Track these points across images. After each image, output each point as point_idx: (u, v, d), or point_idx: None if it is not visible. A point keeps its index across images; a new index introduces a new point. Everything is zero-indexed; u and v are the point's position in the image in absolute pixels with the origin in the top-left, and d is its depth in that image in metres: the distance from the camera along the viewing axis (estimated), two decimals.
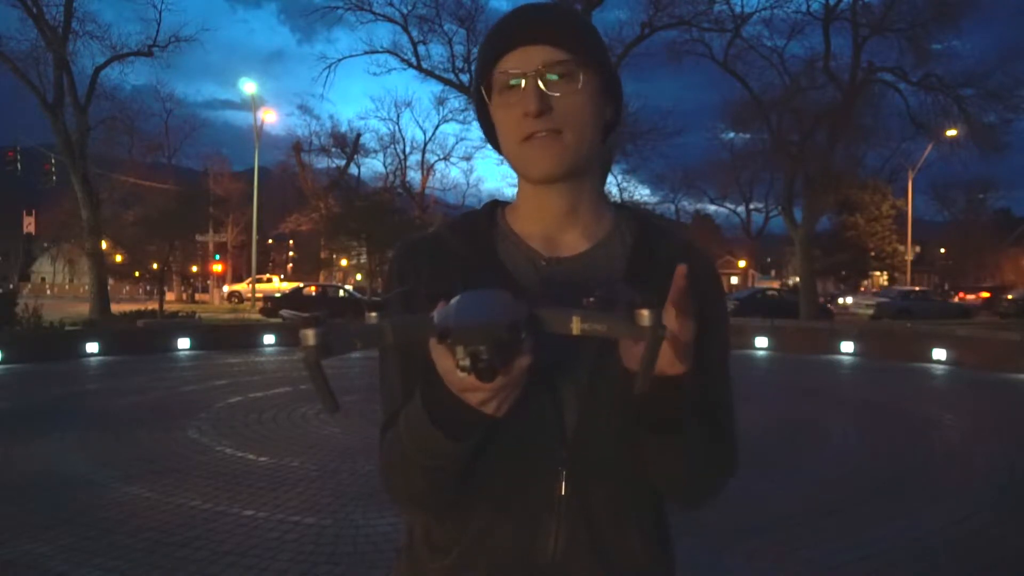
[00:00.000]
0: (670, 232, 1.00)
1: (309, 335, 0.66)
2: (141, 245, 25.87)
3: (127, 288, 41.43)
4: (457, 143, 59.89)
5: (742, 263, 58.11)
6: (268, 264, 56.54)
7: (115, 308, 21.39)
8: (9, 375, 10.52)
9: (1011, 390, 10.18)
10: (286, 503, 4.54)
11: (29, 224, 44.90)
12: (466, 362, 0.67)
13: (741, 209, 46.46)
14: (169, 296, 33.08)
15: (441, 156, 42.19)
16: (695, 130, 49.90)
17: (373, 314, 0.73)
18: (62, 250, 53.76)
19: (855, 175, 28.38)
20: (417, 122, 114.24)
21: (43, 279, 61.51)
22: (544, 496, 0.89)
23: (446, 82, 26.65)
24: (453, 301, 0.69)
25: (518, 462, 0.88)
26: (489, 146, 1.00)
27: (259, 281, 36.09)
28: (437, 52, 47.89)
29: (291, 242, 55.43)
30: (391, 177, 40.20)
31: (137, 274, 31.03)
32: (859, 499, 4.77)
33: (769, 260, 70.72)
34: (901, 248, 40.09)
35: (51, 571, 3.49)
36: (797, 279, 32.88)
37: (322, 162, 39.93)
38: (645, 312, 0.68)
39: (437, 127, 61.38)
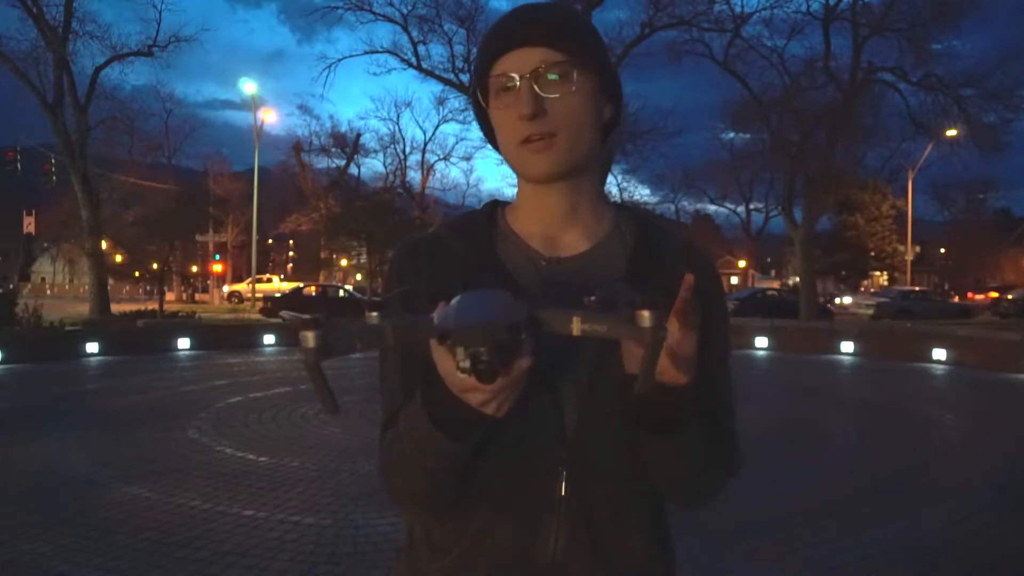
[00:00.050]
0: (670, 232, 1.00)
1: (309, 337, 0.66)
2: (141, 245, 25.88)
3: (127, 288, 41.43)
4: (457, 143, 59.98)
5: (742, 263, 58.13)
6: (268, 264, 56.54)
7: (115, 308, 21.39)
8: (9, 375, 10.52)
9: (1011, 390, 10.18)
10: (286, 503, 4.54)
11: (29, 224, 44.91)
12: (466, 363, 0.67)
13: (741, 209, 46.50)
14: (169, 296, 33.09)
15: (441, 156, 42.23)
16: (695, 130, 49.89)
17: (373, 314, 0.73)
18: (62, 250, 53.76)
19: (855, 175, 28.37)
20: (417, 122, 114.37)
21: (43, 279, 61.51)
22: (544, 496, 0.89)
23: (446, 82, 26.67)
24: (453, 302, 0.69)
25: (518, 462, 0.88)
26: (489, 146, 1.00)
27: (259, 281, 36.09)
28: (437, 52, 47.93)
29: (291, 242, 55.43)
30: (391, 177, 40.23)
31: (137, 274, 31.04)
32: (859, 499, 4.77)
33: (769, 260, 70.72)
34: (901, 248, 40.10)
35: (51, 571, 3.49)
36: (797, 279, 32.89)
37: (322, 162, 39.98)
38: (646, 313, 0.68)
39: (437, 127, 61.43)
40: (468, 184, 54.52)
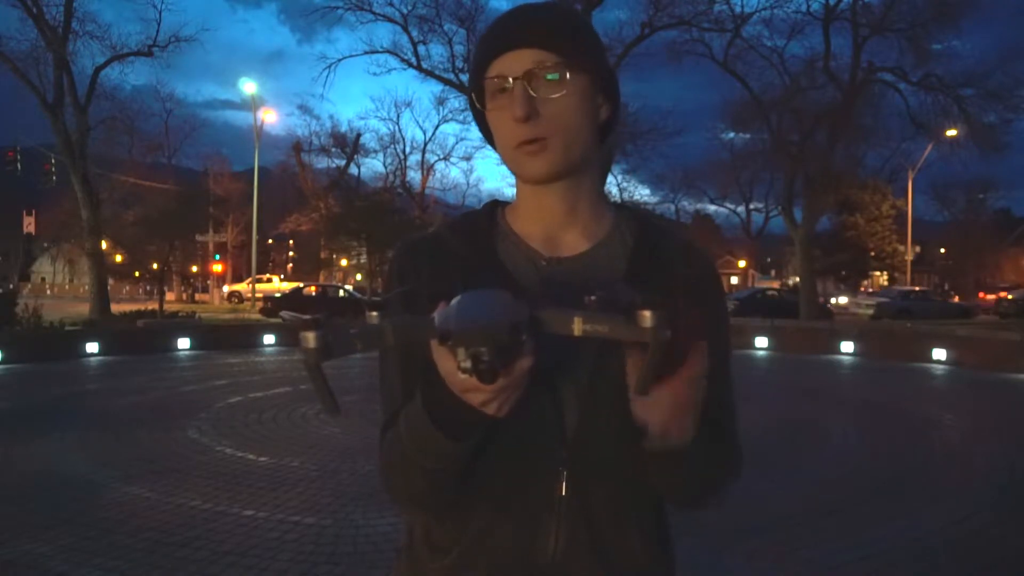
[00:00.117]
0: (670, 232, 1.00)
1: (309, 337, 0.66)
2: (141, 245, 25.88)
3: (127, 288, 41.41)
4: (457, 143, 59.85)
5: (742, 263, 58.11)
6: (268, 264, 56.53)
7: (115, 308, 21.39)
8: (9, 375, 10.52)
9: (1011, 390, 10.18)
10: (286, 503, 4.54)
11: (29, 224, 44.91)
12: (467, 364, 0.67)
13: (741, 209, 46.51)
14: (169, 296, 33.08)
15: (441, 156, 42.19)
16: (695, 130, 49.92)
17: (373, 314, 0.73)
18: (62, 250, 53.74)
19: (855, 175, 28.39)
20: (417, 122, 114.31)
21: (43, 279, 61.50)
22: (544, 496, 0.89)
23: (446, 82, 26.68)
24: (454, 302, 0.69)
25: (518, 462, 0.88)
26: (489, 146, 1.00)
27: (259, 281, 36.08)
28: (437, 52, 47.83)
29: (291, 242, 55.43)
30: (391, 177, 40.22)
31: (137, 274, 31.03)
32: (859, 499, 4.77)
33: (769, 260, 70.68)
34: (901, 248, 40.07)
35: (51, 571, 3.49)
36: (797, 279, 32.90)
37: (322, 162, 39.97)
38: (647, 313, 0.68)
39: (437, 127, 61.43)
40: (468, 184, 54.52)
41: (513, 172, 0.95)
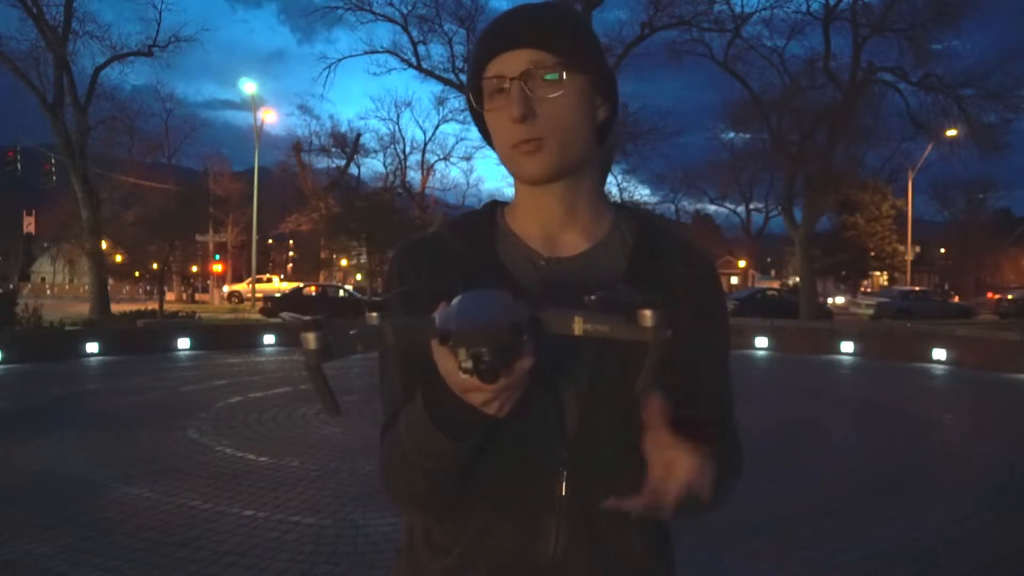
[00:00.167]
0: (670, 232, 1.00)
1: (310, 339, 0.66)
2: (141, 245, 25.88)
3: (127, 288, 41.41)
4: (457, 143, 59.75)
5: (742, 263, 58.10)
6: (268, 264, 56.52)
7: (115, 308, 21.39)
8: (9, 375, 10.52)
9: (1011, 390, 10.18)
10: (286, 503, 4.54)
11: (29, 224, 44.90)
12: (468, 364, 0.67)
13: (741, 209, 46.52)
14: (169, 296, 33.08)
15: (441, 156, 42.18)
16: (695, 130, 49.97)
17: (374, 314, 0.73)
18: (62, 250, 53.73)
19: (855, 175, 28.39)
20: (417, 122, 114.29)
21: (43, 279, 61.49)
22: (544, 496, 0.89)
23: (446, 82, 26.70)
24: (454, 302, 0.69)
25: (518, 462, 0.88)
26: (488, 146, 1.00)
27: (259, 281, 36.08)
28: (437, 52, 47.87)
29: (291, 242, 55.41)
30: (391, 177, 40.21)
31: (137, 274, 31.03)
32: (859, 499, 4.77)
33: (769, 260, 70.67)
34: (901, 248, 40.06)
35: (51, 571, 3.49)
36: (797, 279, 32.90)
37: (322, 162, 39.95)
38: (648, 313, 0.68)
39: (437, 127, 61.31)
40: (468, 184, 54.49)
41: (511, 172, 0.95)
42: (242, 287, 39.28)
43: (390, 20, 25.18)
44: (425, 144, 42.51)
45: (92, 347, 12.77)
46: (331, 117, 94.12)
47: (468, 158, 42.12)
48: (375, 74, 62.63)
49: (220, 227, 40.26)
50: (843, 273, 41.91)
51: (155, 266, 26.14)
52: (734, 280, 58.98)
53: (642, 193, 50.24)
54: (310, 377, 0.68)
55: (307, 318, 0.67)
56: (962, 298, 40.43)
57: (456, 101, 32.22)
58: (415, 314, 0.76)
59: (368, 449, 5.67)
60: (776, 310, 23.13)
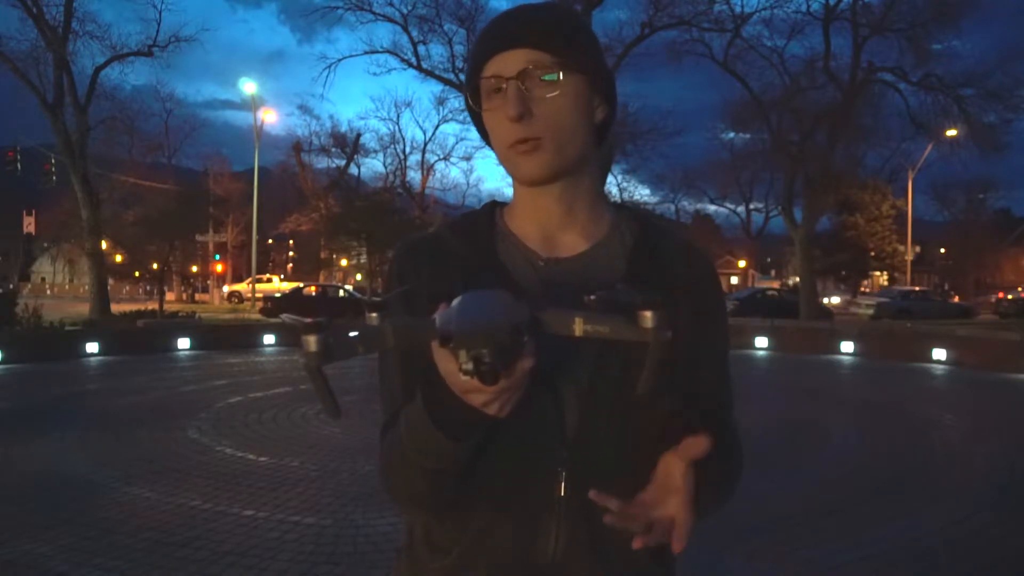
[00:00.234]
0: (670, 232, 1.00)
1: (310, 341, 0.66)
2: (141, 245, 25.88)
3: (127, 288, 41.41)
4: (457, 143, 59.70)
5: (742, 263, 58.09)
6: (268, 264, 56.50)
7: (115, 308, 21.39)
8: (9, 375, 10.52)
9: (1011, 390, 10.19)
10: (286, 503, 4.54)
11: (29, 224, 44.89)
12: (468, 365, 0.67)
13: (741, 209, 46.51)
14: (169, 296, 33.07)
15: (441, 156, 42.22)
16: (695, 130, 49.97)
17: (373, 315, 0.73)
18: (62, 250, 53.71)
19: (855, 175, 28.41)
20: (417, 122, 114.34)
21: (43, 279, 61.48)
22: (544, 496, 0.89)
23: (446, 82, 26.69)
24: (454, 303, 0.69)
25: (518, 462, 0.88)
26: (488, 146, 1.00)
27: (259, 281, 36.06)
28: (437, 52, 47.90)
29: (291, 242, 55.40)
30: (391, 177, 40.21)
31: (137, 274, 31.02)
32: (859, 499, 4.77)
33: (769, 260, 70.67)
34: (901, 248, 40.06)
35: (51, 571, 3.49)
36: (797, 279, 32.90)
37: (322, 162, 39.95)
38: (648, 313, 0.68)
39: (437, 127, 61.38)
40: (468, 184, 54.51)
41: (509, 172, 0.95)
42: (242, 287, 39.27)
43: (390, 20, 25.18)
44: (425, 144, 42.61)
45: (92, 347, 12.77)
46: (331, 117, 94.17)
47: (468, 158, 42.18)
48: (375, 74, 62.67)
49: (220, 227, 40.27)
50: (843, 273, 41.91)
51: (155, 266, 26.14)
52: (734, 280, 58.96)
53: (642, 193, 50.28)
54: (310, 379, 0.68)
55: (308, 320, 0.66)
56: (962, 298, 40.42)
57: (456, 101, 32.24)
58: (415, 314, 0.76)
59: (368, 449, 5.67)
60: (776, 310, 23.12)
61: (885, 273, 47.24)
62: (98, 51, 27.17)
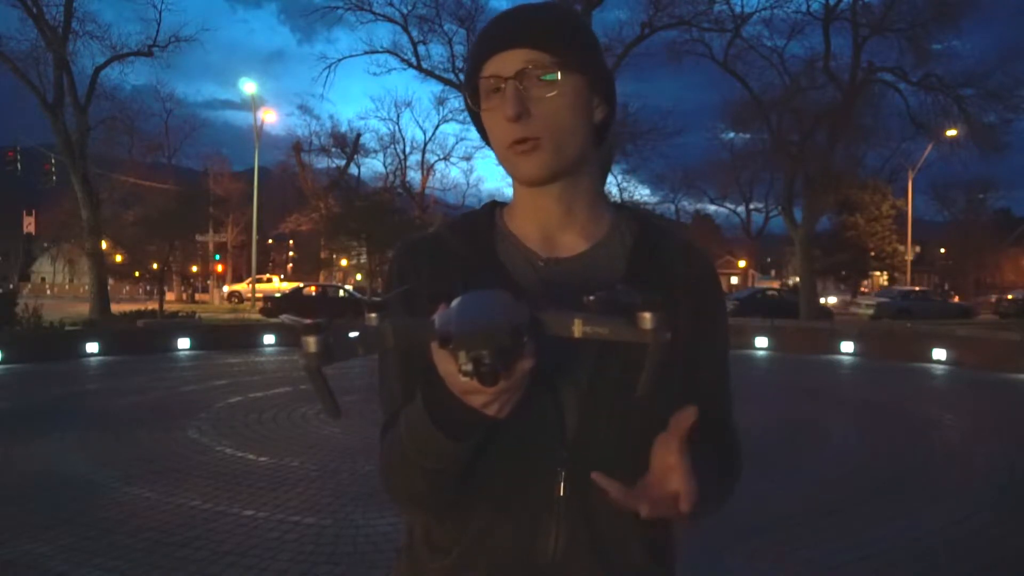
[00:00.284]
0: (670, 232, 1.00)
1: (310, 342, 0.66)
2: (141, 245, 25.89)
3: (127, 288, 41.42)
4: (457, 143, 59.69)
5: (742, 263, 58.10)
6: (268, 264, 56.52)
7: (115, 308, 21.39)
8: (9, 375, 10.52)
9: (1011, 390, 10.19)
10: (286, 503, 4.54)
11: (29, 224, 44.90)
12: (468, 366, 0.67)
13: (741, 209, 46.53)
14: (169, 296, 33.07)
15: (441, 156, 42.22)
16: (695, 130, 49.99)
17: (373, 315, 0.73)
18: (62, 250, 53.73)
19: (855, 175, 28.41)
20: (417, 122, 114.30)
21: (43, 279, 61.49)
22: (544, 496, 0.89)
23: (446, 82, 26.70)
24: (454, 304, 0.69)
25: (518, 462, 0.88)
26: (488, 146, 1.00)
27: (259, 281, 36.07)
28: (437, 52, 47.90)
29: (291, 242, 55.41)
30: (391, 177, 40.21)
31: (137, 274, 31.04)
32: (859, 499, 4.77)
33: (769, 260, 70.67)
34: (901, 248, 40.06)
35: (51, 571, 3.49)
36: (797, 279, 32.90)
37: (322, 162, 39.95)
38: (647, 315, 0.68)
39: (437, 127, 61.36)
40: (468, 184, 54.54)
41: (508, 173, 0.95)
42: (242, 287, 39.27)
43: (390, 20, 25.18)
44: (425, 144, 42.61)
45: (92, 347, 12.77)
46: (331, 117, 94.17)
47: (468, 158, 42.18)
48: (375, 74, 62.65)
49: (220, 227, 40.27)
50: (843, 273, 41.90)
51: (155, 266, 26.14)
52: (734, 280, 58.97)
53: (642, 193, 50.26)
54: (310, 380, 0.68)
55: (307, 321, 0.66)
56: (962, 298, 40.43)
57: (456, 101, 32.26)
58: (415, 315, 0.75)
59: (368, 449, 5.67)
60: (776, 310, 23.13)
61: (885, 273, 47.24)
62: (98, 51, 27.19)
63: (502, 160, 0.93)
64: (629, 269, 0.94)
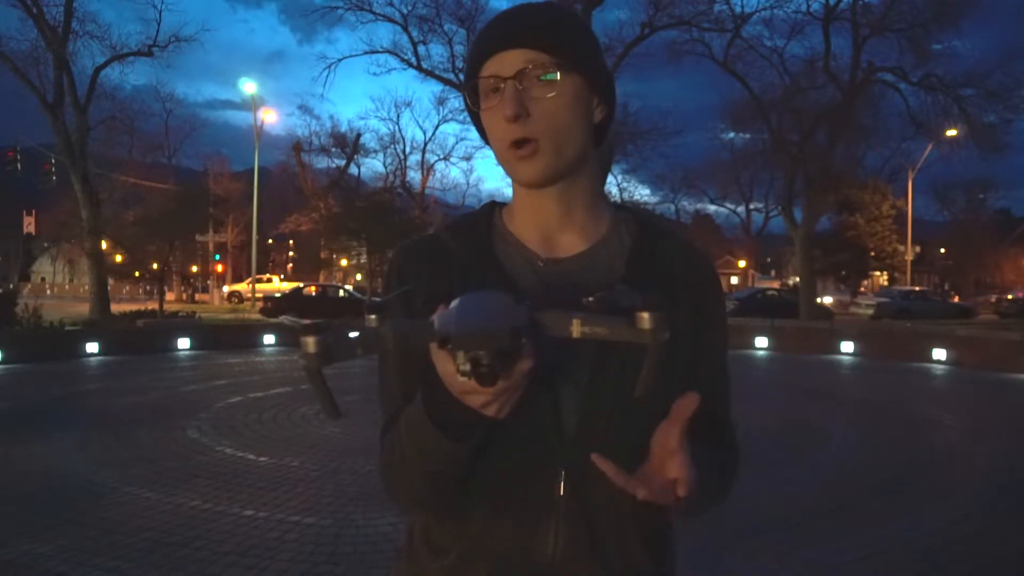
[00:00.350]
0: (669, 232, 1.00)
1: (310, 343, 0.66)
2: (141, 245, 25.84)
3: (127, 288, 41.40)
4: (457, 143, 59.69)
5: (742, 263, 58.10)
6: (268, 264, 56.51)
7: (115, 308, 21.37)
8: (9, 375, 10.52)
9: (1011, 390, 10.19)
10: (286, 503, 4.54)
11: (29, 224, 44.89)
12: (467, 367, 0.67)
13: (741, 209, 46.61)
14: (169, 296, 33.08)
15: (441, 156, 42.19)
16: (695, 130, 50.06)
17: (372, 316, 0.73)
18: (62, 250, 53.75)
19: (855, 175, 28.42)
20: (417, 122, 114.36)
21: (43, 279, 61.49)
22: (544, 496, 0.89)
23: (446, 82, 26.72)
24: (453, 305, 0.69)
25: (518, 462, 0.88)
26: (488, 146, 1.00)
27: (259, 281, 36.07)
28: (437, 52, 47.96)
29: (291, 242, 55.40)
30: (391, 177, 40.18)
31: (137, 274, 31.00)
32: (859, 499, 4.77)
33: (769, 260, 70.65)
34: (901, 248, 40.05)
35: (51, 571, 3.49)
36: (797, 279, 32.90)
37: (322, 162, 39.93)
38: (646, 315, 0.68)
39: (437, 127, 61.55)
40: (468, 184, 54.70)
41: (507, 173, 0.95)
42: (242, 287, 39.26)
43: (390, 20, 25.19)
44: (425, 144, 42.55)
45: (92, 347, 12.77)
46: (331, 117, 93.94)
47: (468, 158, 42.19)
48: (375, 74, 62.88)
49: (220, 227, 40.27)
50: (843, 273, 41.90)
51: (155, 266, 26.13)
52: (734, 280, 58.96)
53: (642, 193, 50.30)
54: (310, 380, 0.68)
55: (307, 322, 0.67)
56: (962, 298, 40.43)
57: (456, 101, 32.32)
58: (414, 315, 0.76)
59: (368, 449, 5.68)
60: (776, 310, 23.12)
61: (885, 273, 47.24)
62: (98, 51, 27.27)
63: (501, 161, 0.93)
64: (628, 269, 0.94)
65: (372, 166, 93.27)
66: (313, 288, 27.92)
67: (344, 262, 41.46)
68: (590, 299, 0.71)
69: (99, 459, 5.62)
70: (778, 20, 40.84)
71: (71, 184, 21.23)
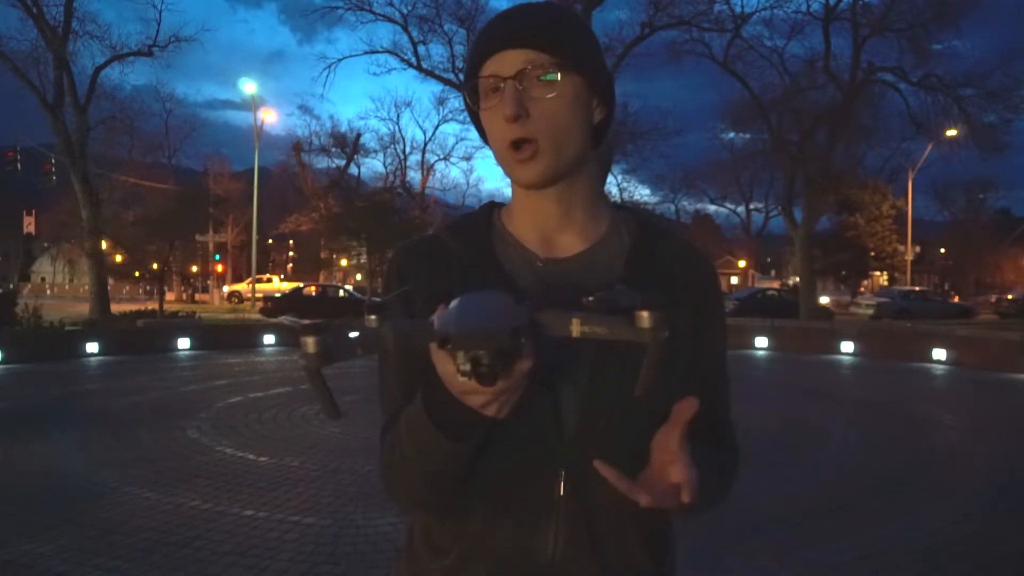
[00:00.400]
0: (670, 232, 1.00)
1: (310, 343, 0.66)
2: (141, 245, 25.84)
3: (127, 288, 41.40)
4: (457, 143, 59.64)
5: (742, 263, 58.09)
6: (268, 264, 56.50)
7: (115, 308, 21.37)
8: (9, 375, 10.52)
9: (1011, 390, 10.19)
10: (286, 503, 4.54)
11: (29, 224, 44.88)
12: (467, 367, 0.67)
13: (741, 209, 46.61)
14: (169, 296, 33.08)
15: (441, 156, 42.19)
16: (695, 130, 50.08)
17: (372, 316, 0.73)
18: (62, 250, 53.75)
19: (855, 175, 28.43)
20: (417, 122, 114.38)
21: (43, 279, 61.49)
22: (544, 496, 0.89)
23: (446, 82, 26.73)
24: (453, 305, 0.69)
25: (518, 462, 0.89)
26: (488, 146, 1.00)
27: (259, 281, 36.06)
28: (437, 52, 47.97)
29: (291, 242, 55.40)
30: (391, 177, 40.17)
31: (137, 274, 31.00)
32: (859, 499, 4.77)
33: (769, 260, 70.66)
34: (901, 248, 40.05)
35: (51, 571, 3.49)
36: (797, 279, 32.90)
37: (322, 162, 39.92)
38: (645, 314, 0.68)
39: (437, 127, 61.53)
40: (468, 184, 54.73)
41: (507, 174, 0.95)
42: (242, 287, 39.25)
43: (390, 20, 25.20)
44: (425, 144, 42.55)
45: (92, 347, 12.77)
46: (331, 117, 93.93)
47: (468, 158, 42.20)
48: (375, 74, 62.93)
49: (220, 227, 40.27)
50: (843, 273, 41.90)
51: (155, 266, 26.13)
52: (734, 280, 58.96)
53: (642, 193, 50.30)
54: (310, 380, 0.68)
55: (307, 322, 0.67)
56: (962, 298, 40.42)
57: (456, 101, 32.33)
58: (414, 316, 0.76)
59: (368, 449, 5.68)
60: (776, 310, 23.12)
61: (885, 273, 47.23)
62: (98, 51, 27.28)
63: (501, 162, 0.93)
64: (628, 269, 0.94)
65: (372, 166, 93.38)
66: (313, 288, 27.91)
67: (344, 262, 41.46)
68: (590, 299, 0.71)
69: (99, 459, 5.62)
70: (778, 20, 40.91)
71: (71, 184, 21.23)
